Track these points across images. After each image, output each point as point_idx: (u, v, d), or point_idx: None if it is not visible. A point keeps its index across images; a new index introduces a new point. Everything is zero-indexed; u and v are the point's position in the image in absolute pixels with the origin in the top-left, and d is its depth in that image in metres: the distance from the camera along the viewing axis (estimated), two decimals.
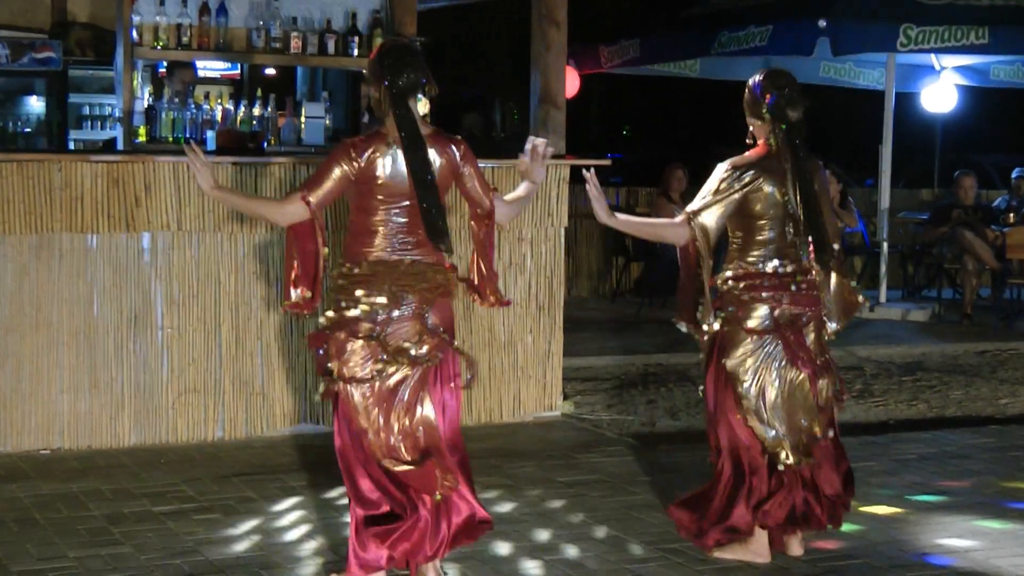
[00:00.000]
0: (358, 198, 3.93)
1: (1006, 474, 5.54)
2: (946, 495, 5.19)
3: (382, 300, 3.87)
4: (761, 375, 4.29)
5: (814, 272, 4.37)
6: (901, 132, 11.15)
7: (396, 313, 3.88)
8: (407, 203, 3.92)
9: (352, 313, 3.88)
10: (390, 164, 3.89)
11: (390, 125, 3.92)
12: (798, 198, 4.28)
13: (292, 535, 4.55)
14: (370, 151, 3.89)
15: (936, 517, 4.88)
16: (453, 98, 21.29)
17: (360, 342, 3.87)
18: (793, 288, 4.32)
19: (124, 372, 5.69)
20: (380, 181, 3.89)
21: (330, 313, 3.93)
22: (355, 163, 3.88)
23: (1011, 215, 10.46)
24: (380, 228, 3.91)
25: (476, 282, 4.12)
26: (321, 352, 3.92)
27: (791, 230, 4.32)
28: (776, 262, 4.32)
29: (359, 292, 3.88)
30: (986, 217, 10.48)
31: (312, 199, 3.89)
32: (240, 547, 4.40)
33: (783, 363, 4.30)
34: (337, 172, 3.89)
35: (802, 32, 9.57)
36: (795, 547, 4.38)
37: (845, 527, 4.63)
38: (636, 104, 24.28)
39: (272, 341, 5.91)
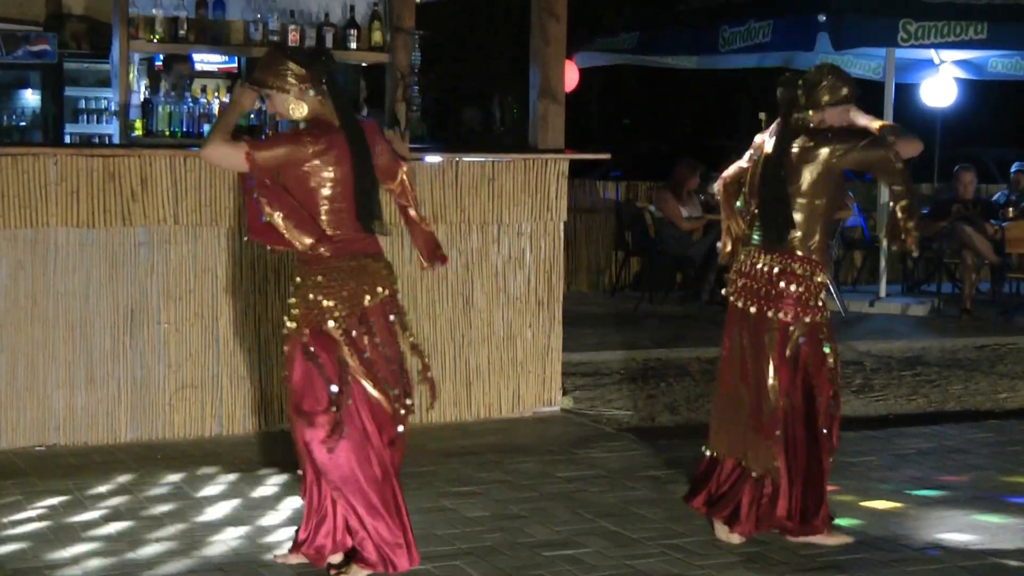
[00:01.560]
0: (310, 193, 3.87)
1: (1005, 468, 5.52)
2: (946, 489, 5.17)
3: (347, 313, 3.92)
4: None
5: (797, 263, 4.35)
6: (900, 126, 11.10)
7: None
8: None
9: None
10: (343, 153, 3.88)
11: (325, 113, 3.90)
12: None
13: (291, 532, 4.52)
14: (326, 139, 3.86)
15: (935, 511, 4.86)
16: (452, 92, 21.25)
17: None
18: (751, 274, 4.40)
19: (120, 367, 5.67)
20: (332, 171, 3.86)
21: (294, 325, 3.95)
22: (308, 148, 3.83)
23: (1010, 209, 10.44)
24: (337, 225, 3.89)
25: (421, 248, 4.21)
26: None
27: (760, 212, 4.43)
28: (751, 246, 4.45)
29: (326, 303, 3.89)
30: (985, 212, 10.47)
31: (256, 157, 3.82)
32: (239, 544, 4.38)
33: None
34: (286, 149, 3.85)
35: (802, 27, 9.56)
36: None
37: (845, 521, 4.63)
38: (637, 98, 24.24)
39: (270, 336, 5.88)
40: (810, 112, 4.36)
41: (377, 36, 7.85)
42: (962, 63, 11.52)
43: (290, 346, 3.97)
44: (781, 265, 4.33)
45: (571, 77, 10.53)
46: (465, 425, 6.16)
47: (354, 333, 3.90)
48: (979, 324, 9.70)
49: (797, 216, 4.32)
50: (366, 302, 3.92)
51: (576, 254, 11.17)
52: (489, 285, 6.27)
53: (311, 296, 3.90)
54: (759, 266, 4.37)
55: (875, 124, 4.35)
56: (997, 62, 11.51)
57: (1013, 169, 11.39)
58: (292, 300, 3.96)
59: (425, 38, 7.75)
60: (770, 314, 4.33)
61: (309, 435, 3.91)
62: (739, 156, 4.65)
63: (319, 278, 3.90)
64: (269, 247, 4.04)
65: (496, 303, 6.28)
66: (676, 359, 8.09)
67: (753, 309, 4.36)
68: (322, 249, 3.89)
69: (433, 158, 6.22)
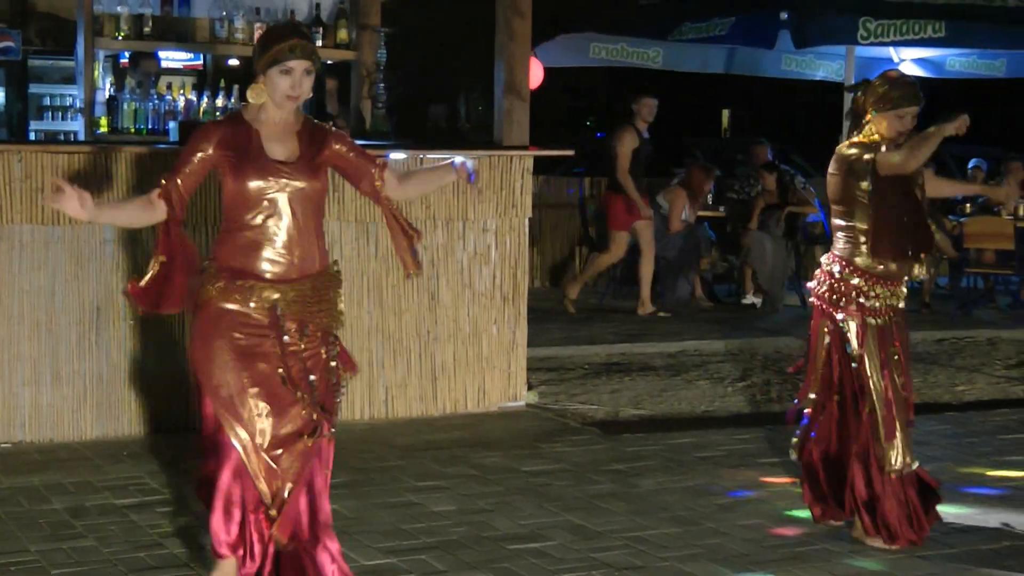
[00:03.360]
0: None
1: (963, 460, 5.62)
2: None
3: None
4: None
5: (834, 262, 4.57)
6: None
7: None
8: None
9: None
10: None
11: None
12: None
13: None
14: None
15: None
16: (419, 89, 21.22)
17: None
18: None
19: (86, 364, 5.66)
20: None
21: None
22: None
23: (968, 205, 10.60)
24: None
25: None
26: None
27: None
28: None
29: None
30: (944, 207, 10.60)
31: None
32: (204, 540, 4.38)
33: None
34: None
35: (764, 24, 9.67)
36: None
37: (805, 513, 4.70)
38: (602, 95, 24.31)
39: None
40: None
41: (343, 34, 7.87)
42: (921, 61, 11.67)
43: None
44: (825, 264, 4.61)
45: (536, 74, 10.57)
46: (431, 420, 6.20)
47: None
48: (938, 318, 9.84)
49: (835, 220, 4.59)
50: None
51: (541, 250, 11.22)
52: (454, 281, 6.31)
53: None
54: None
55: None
56: (955, 60, 11.68)
57: (971, 165, 11.57)
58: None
59: (391, 35, 7.78)
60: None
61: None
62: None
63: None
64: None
65: (461, 299, 6.32)
66: (640, 354, 8.16)
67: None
68: None
69: (398, 155, 6.25)
